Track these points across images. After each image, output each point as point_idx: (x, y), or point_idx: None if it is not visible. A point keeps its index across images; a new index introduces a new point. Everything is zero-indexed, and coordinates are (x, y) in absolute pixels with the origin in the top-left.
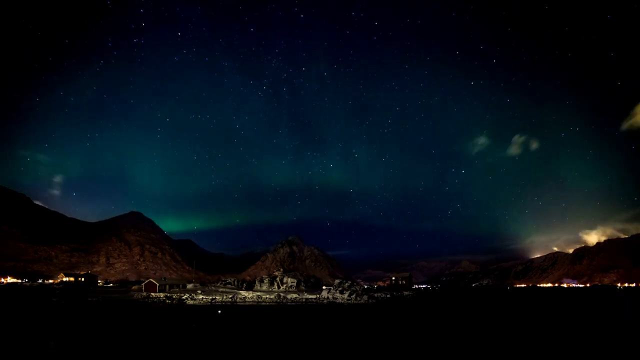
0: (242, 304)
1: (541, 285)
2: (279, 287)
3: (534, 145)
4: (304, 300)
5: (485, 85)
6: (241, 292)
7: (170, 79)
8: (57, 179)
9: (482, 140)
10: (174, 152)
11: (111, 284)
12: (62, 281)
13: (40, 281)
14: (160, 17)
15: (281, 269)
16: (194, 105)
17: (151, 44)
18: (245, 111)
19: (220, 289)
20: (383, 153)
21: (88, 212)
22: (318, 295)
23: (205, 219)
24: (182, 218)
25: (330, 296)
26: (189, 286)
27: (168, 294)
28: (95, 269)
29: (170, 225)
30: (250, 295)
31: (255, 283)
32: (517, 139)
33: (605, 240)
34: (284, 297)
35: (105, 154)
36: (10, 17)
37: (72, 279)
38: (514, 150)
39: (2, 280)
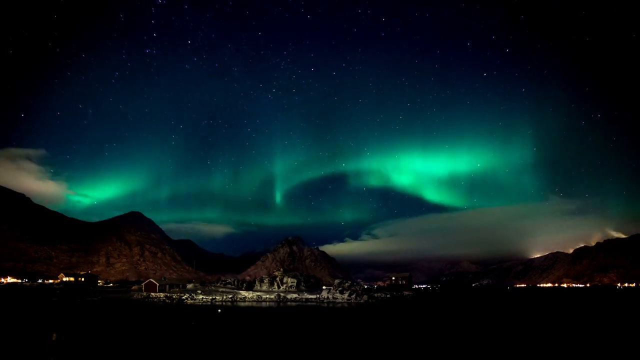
0: (242, 304)
1: (541, 285)
2: (279, 287)
3: (542, 141)
4: (304, 300)
5: (499, 76)
6: (241, 292)
7: (183, 87)
8: (71, 184)
9: (496, 134)
10: (187, 156)
11: (111, 284)
12: (62, 281)
13: (40, 281)
14: (171, 27)
15: (281, 269)
16: (207, 111)
17: (163, 53)
18: (256, 114)
19: (220, 289)
20: (395, 150)
21: (91, 213)
22: (318, 295)
23: (214, 220)
24: (188, 219)
25: (330, 296)
26: (189, 286)
27: (168, 294)
28: (95, 269)
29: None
30: (250, 295)
31: (255, 283)
32: (529, 133)
33: (605, 240)
34: (284, 297)
35: (123, 162)
36: (31, 38)
37: (72, 279)
38: (525, 145)
39: (2, 280)
